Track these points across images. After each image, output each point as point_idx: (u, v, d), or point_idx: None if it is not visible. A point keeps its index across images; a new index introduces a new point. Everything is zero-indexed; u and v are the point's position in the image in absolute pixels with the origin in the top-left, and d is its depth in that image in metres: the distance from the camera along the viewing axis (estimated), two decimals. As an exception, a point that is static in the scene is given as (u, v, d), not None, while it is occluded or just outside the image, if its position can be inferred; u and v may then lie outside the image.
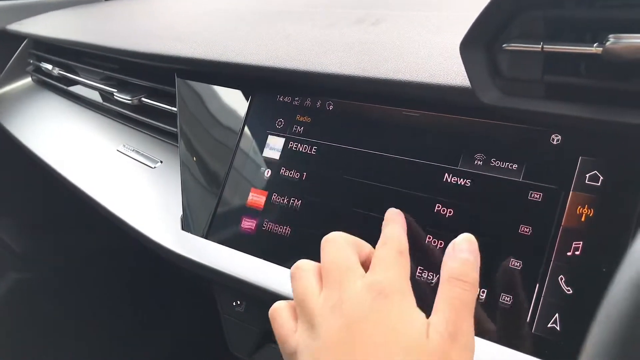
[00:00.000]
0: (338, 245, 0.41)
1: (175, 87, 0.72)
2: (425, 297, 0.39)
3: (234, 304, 0.61)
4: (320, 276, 0.40)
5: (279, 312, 0.41)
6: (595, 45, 0.38)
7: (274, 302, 0.52)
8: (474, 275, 0.37)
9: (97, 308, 1.31)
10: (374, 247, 0.42)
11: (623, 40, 0.36)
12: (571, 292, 0.40)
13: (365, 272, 0.39)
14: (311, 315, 0.38)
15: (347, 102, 0.56)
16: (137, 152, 0.80)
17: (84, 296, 1.32)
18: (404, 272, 0.39)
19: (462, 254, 0.38)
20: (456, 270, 0.37)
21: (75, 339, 1.28)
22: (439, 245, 0.47)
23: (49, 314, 1.28)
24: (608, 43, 0.37)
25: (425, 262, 0.47)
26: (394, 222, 0.44)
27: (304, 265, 0.41)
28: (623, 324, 0.16)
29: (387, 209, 0.50)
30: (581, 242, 0.41)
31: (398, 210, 0.46)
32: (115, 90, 0.87)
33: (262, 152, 0.60)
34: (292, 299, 0.51)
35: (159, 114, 0.80)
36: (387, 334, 0.34)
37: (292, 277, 0.41)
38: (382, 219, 0.50)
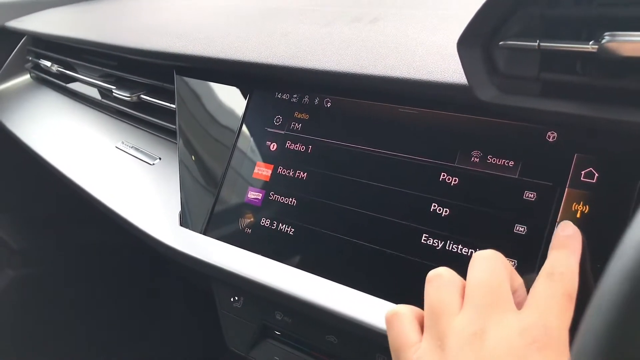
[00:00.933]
0: (493, 264, 0.35)
1: (174, 84, 0.73)
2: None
3: (232, 299, 0.62)
4: (463, 292, 0.35)
5: (400, 318, 0.36)
6: (591, 43, 0.38)
7: (271, 297, 0.53)
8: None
9: (95, 304, 1.32)
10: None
11: (618, 38, 0.36)
12: (566, 287, 0.41)
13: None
14: (444, 333, 0.33)
15: (344, 100, 0.56)
16: (136, 149, 0.81)
17: (82, 293, 1.32)
18: (566, 323, 0.32)
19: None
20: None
21: (74, 335, 1.28)
22: (435, 243, 0.47)
23: (47, 311, 1.28)
24: (604, 41, 0.37)
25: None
26: (567, 249, 0.37)
27: (447, 275, 0.36)
28: (612, 314, 0.17)
29: (383, 206, 0.50)
30: (576, 239, 0.41)
31: (576, 230, 0.39)
32: (114, 87, 0.87)
33: (260, 148, 0.60)
34: (292, 296, 0.51)
35: (157, 111, 0.80)
36: None
37: (430, 283, 0.36)
38: (379, 218, 0.50)
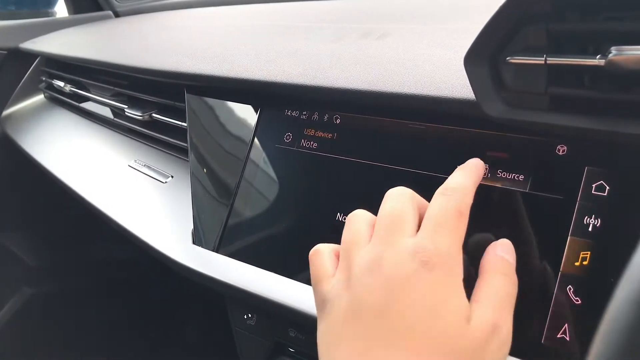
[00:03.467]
0: (399, 197, 0.38)
1: (185, 103, 0.73)
2: None
3: (245, 317, 0.62)
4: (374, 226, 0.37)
5: (319, 254, 0.39)
6: (598, 57, 0.38)
7: (285, 314, 0.53)
8: (515, 276, 0.37)
9: (110, 320, 1.32)
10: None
11: (625, 52, 0.36)
12: (580, 302, 0.40)
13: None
14: (350, 265, 0.35)
15: (354, 116, 0.57)
16: (148, 167, 0.81)
17: (98, 309, 1.33)
18: (457, 240, 0.34)
19: (505, 254, 0.37)
20: (499, 264, 0.36)
21: (89, 351, 1.29)
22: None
23: (63, 328, 1.29)
24: (610, 55, 0.37)
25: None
26: (465, 170, 0.39)
27: (361, 213, 0.39)
28: (622, 339, 0.17)
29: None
30: (589, 252, 0.41)
31: (480, 162, 0.41)
32: (126, 107, 0.88)
33: (270, 166, 0.61)
34: (305, 313, 0.52)
35: (169, 130, 0.81)
36: (425, 314, 0.31)
37: (346, 222, 0.39)
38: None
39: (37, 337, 1.27)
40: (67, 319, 1.31)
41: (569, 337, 0.40)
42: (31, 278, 1.33)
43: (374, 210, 0.51)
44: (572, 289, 0.41)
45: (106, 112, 1.01)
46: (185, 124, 0.73)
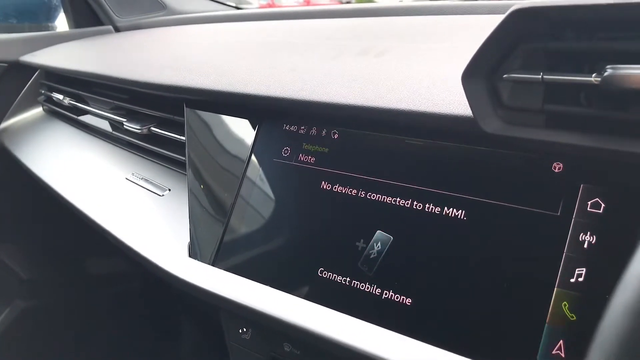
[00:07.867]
0: None
1: (184, 117, 0.74)
2: None
3: (240, 331, 0.61)
4: None
5: None
6: (593, 75, 0.39)
7: (280, 328, 0.53)
8: None
9: (103, 334, 1.31)
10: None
11: (620, 71, 0.37)
12: (575, 318, 0.40)
13: None
14: None
15: (351, 131, 0.57)
16: (146, 180, 0.81)
17: (90, 323, 1.32)
18: None
19: None
20: None
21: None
22: (440, 272, 0.47)
23: (56, 342, 1.28)
24: (606, 73, 0.37)
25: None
26: None
27: None
28: (616, 349, 0.17)
29: (392, 234, 0.51)
30: (584, 269, 0.41)
31: None
32: (125, 120, 0.88)
33: (268, 179, 0.61)
34: (300, 328, 0.51)
35: (167, 143, 0.81)
36: None
37: None
38: (387, 247, 0.50)
39: (30, 351, 1.26)
40: (60, 332, 1.29)
41: (564, 353, 0.40)
42: (24, 291, 1.32)
43: (370, 226, 0.52)
44: (567, 305, 0.41)
45: (105, 126, 1.01)
46: (183, 138, 0.73)
